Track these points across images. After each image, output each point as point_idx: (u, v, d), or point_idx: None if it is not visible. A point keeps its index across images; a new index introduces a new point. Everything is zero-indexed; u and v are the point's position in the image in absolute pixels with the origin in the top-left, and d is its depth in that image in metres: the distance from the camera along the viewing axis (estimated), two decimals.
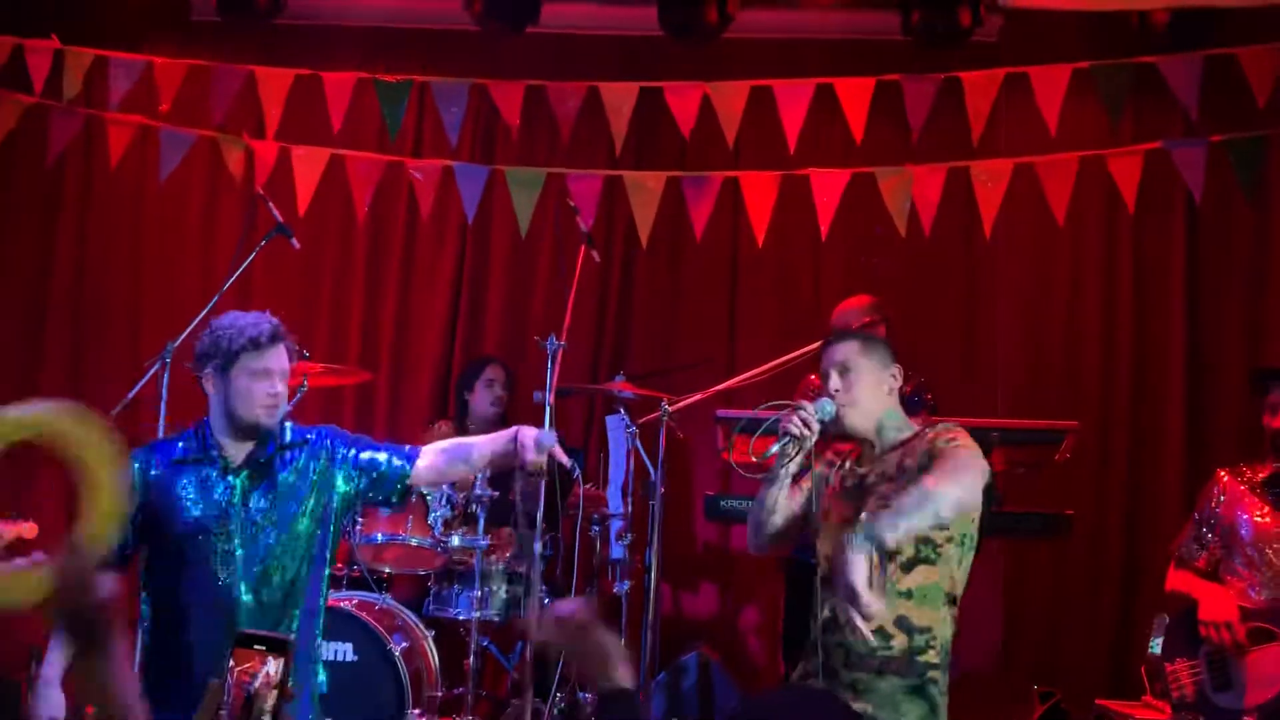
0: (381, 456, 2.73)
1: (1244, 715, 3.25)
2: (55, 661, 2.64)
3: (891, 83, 4.33)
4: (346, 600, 3.73)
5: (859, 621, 2.37)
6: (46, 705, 2.63)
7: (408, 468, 2.73)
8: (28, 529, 3.20)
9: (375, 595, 3.88)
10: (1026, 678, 4.42)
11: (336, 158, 4.61)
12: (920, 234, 4.38)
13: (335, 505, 2.70)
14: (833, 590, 2.62)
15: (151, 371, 3.80)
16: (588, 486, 4.37)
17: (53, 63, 4.49)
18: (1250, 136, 4.12)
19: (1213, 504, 3.46)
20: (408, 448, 2.75)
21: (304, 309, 5.20)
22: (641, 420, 4.14)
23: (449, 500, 3.96)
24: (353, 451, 2.73)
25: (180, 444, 2.68)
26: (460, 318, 5.19)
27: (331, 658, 3.54)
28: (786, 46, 5.00)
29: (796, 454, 2.62)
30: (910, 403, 4.08)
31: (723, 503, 4.25)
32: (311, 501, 2.67)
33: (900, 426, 2.68)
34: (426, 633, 3.89)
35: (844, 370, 2.65)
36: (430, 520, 3.94)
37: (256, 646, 1.30)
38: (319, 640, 2.76)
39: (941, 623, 2.59)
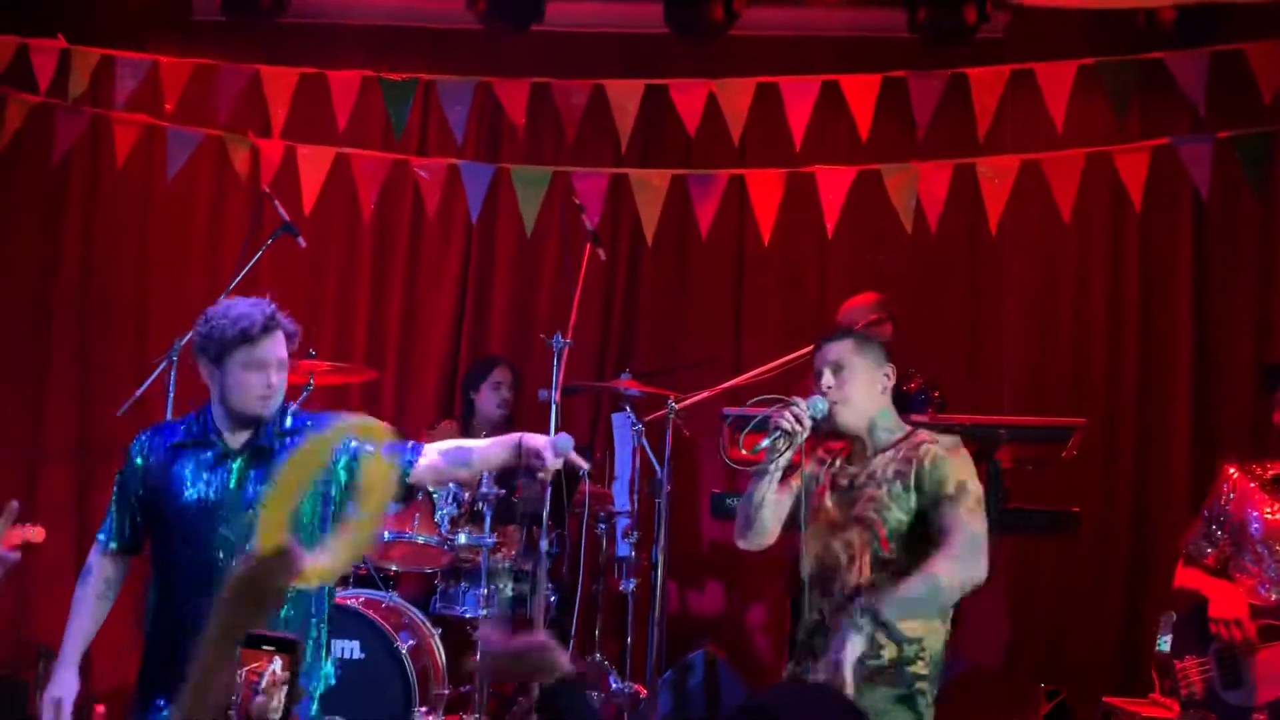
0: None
1: (1254, 713, 3.24)
2: (74, 643, 2.65)
3: (897, 80, 4.33)
4: (353, 598, 3.73)
5: (843, 678, 2.38)
6: (58, 685, 2.62)
7: (409, 465, 2.70)
8: (34, 533, 3.20)
9: (382, 593, 3.88)
10: (1032, 675, 4.41)
11: (342, 156, 4.61)
12: (926, 231, 4.38)
13: (334, 495, 2.64)
14: (821, 592, 2.64)
15: (159, 369, 3.82)
16: (593, 485, 4.38)
17: (58, 62, 4.50)
18: (1257, 133, 4.10)
19: (1222, 501, 3.45)
20: (410, 444, 2.70)
21: (310, 307, 5.19)
22: (648, 418, 4.14)
23: (455, 498, 3.96)
24: (355, 442, 2.64)
25: (182, 427, 2.67)
26: (466, 316, 5.20)
27: (338, 655, 3.54)
28: (792, 44, 4.99)
29: (787, 449, 2.63)
30: (916, 400, 4.09)
31: (729, 500, 4.24)
32: (310, 488, 2.58)
33: (892, 427, 2.70)
34: (433, 630, 3.89)
35: (837, 368, 2.67)
36: (437, 518, 3.94)
37: (265, 646, 1.29)
38: (321, 631, 2.71)
39: (932, 634, 2.60)
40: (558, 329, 3.81)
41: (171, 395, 3.80)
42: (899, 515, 2.59)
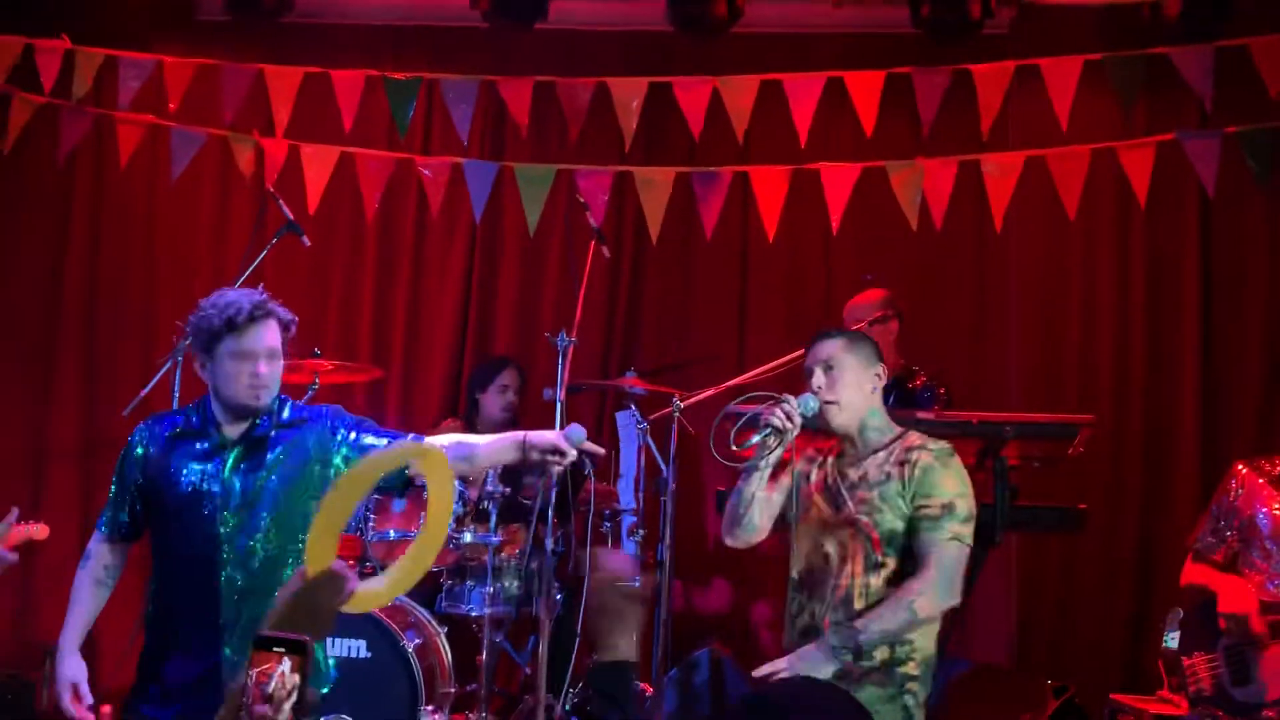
0: (383, 443, 2.66)
1: (1264, 709, 3.23)
2: (74, 629, 2.67)
3: (902, 76, 4.32)
4: None
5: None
6: (68, 670, 2.64)
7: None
8: (38, 530, 3.21)
9: None
10: (1039, 672, 4.40)
11: (346, 155, 4.62)
12: (931, 228, 4.37)
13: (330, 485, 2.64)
14: (811, 593, 2.64)
15: (164, 369, 3.82)
16: (599, 483, 4.38)
17: (63, 63, 4.51)
18: (1264, 128, 4.09)
19: (1230, 497, 3.44)
20: (411, 436, 2.69)
21: (314, 306, 5.21)
22: (652, 416, 4.14)
23: (461, 496, 3.96)
24: (354, 434, 2.66)
25: (181, 418, 2.67)
26: (470, 314, 5.20)
27: (345, 654, 3.54)
28: (796, 40, 4.98)
29: (777, 446, 2.65)
30: (922, 397, 4.08)
31: None
32: (304, 480, 2.60)
33: (882, 427, 2.71)
34: (439, 629, 3.89)
35: (828, 368, 2.69)
36: None
37: (276, 648, 1.30)
38: None
39: (924, 635, 2.62)
40: (562, 327, 3.81)
41: (177, 394, 3.81)
42: (892, 519, 2.61)
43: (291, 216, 4.00)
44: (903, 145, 4.49)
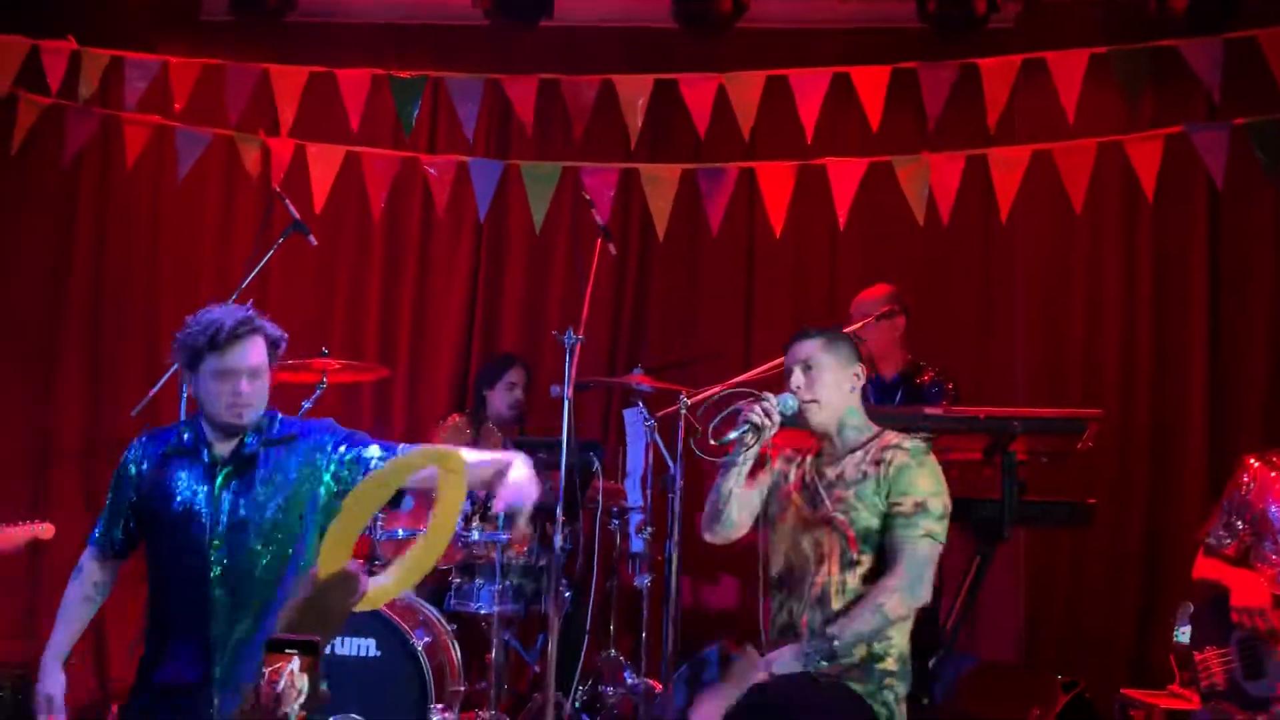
0: (374, 455, 2.63)
1: (1276, 704, 3.22)
2: (59, 643, 2.70)
3: (908, 71, 4.31)
4: None
5: None
6: (47, 683, 2.67)
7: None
8: (44, 529, 3.22)
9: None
10: (1048, 668, 4.39)
11: (352, 154, 4.62)
12: (938, 222, 4.36)
13: (322, 501, 2.61)
14: (789, 592, 2.68)
15: (171, 370, 3.81)
16: (606, 480, 4.38)
17: (68, 64, 4.52)
18: (1273, 119, 4.07)
19: (1242, 491, 3.43)
20: (401, 447, 2.66)
21: (321, 306, 5.22)
22: (660, 413, 4.14)
23: (469, 495, 3.96)
24: (343, 448, 2.64)
25: (174, 435, 2.68)
26: (477, 313, 5.20)
27: (354, 653, 3.55)
28: (801, 36, 4.97)
29: (755, 443, 2.67)
30: (930, 393, 4.07)
31: None
32: (294, 497, 2.60)
33: (860, 426, 2.74)
34: (448, 627, 3.89)
35: (807, 367, 2.72)
36: None
37: (288, 649, 1.30)
38: None
39: (900, 632, 2.64)
40: (569, 325, 3.81)
41: (184, 395, 3.81)
42: (867, 518, 2.63)
43: (298, 216, 4.00)
44: (909, 140, 4.48)
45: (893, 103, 4.32)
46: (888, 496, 2.61)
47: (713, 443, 2.71)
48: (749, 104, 4.36)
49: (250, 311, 2.63)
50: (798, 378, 2.72)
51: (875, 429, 2.74)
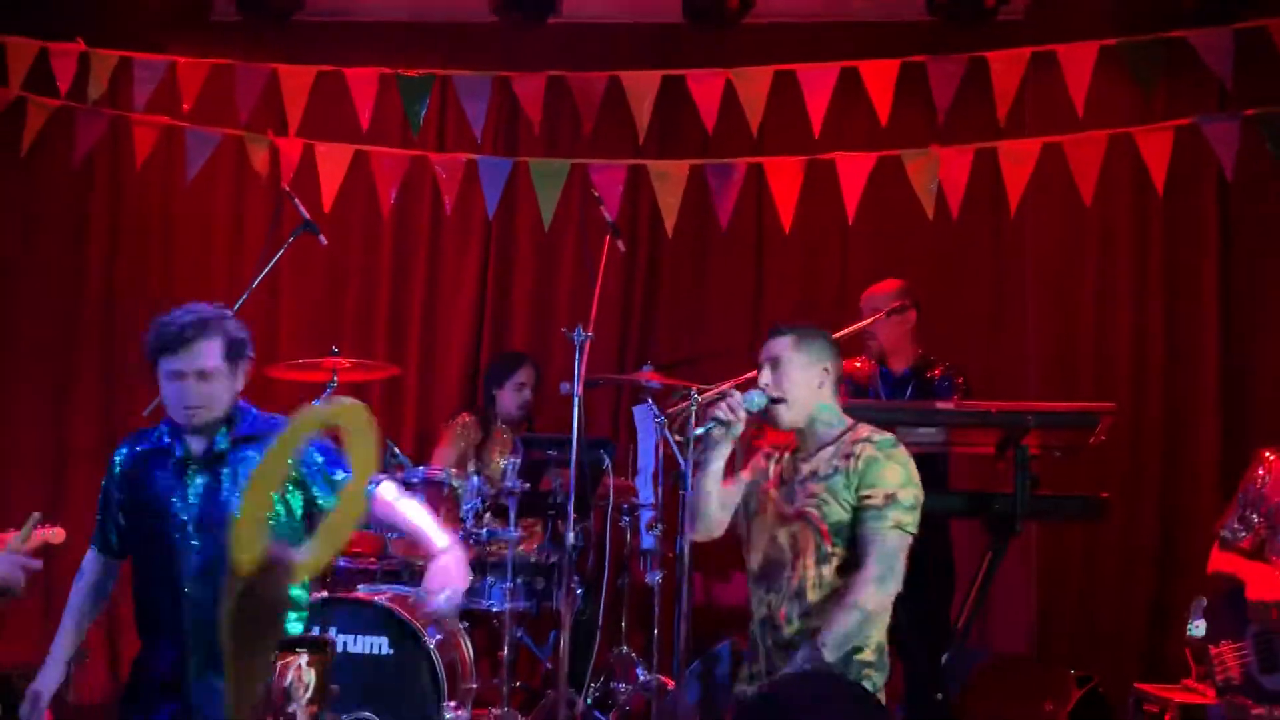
0: (342, 477, 2.62)
1: None
2: (59, 642, 2.76)
3: (916, 64, 4.29)
4: (380, 594, 3.74)
5: None
6: (39, 680, 2.73)
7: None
8: (54, 534, 3.23)
9: (409, 588, 3.89)
10: (1061, 661, 4.38)
11: (360, 153, 4.63)
12: (948, 216, 4.34)
13: (294, 505, 2.62)
14: (767, 587, 2.71)
15: None
16: (617, 478, 4.38)
17: (78, 65, 4.53)
18: None
19: (1257, 485, 3.42)
20: (373, 476, 2.63)
21: (331, 305, 5.23)
22: (670, 410, 4.13)
23: (480, 492, 3.97)
24: (320, 459, 2.63)
25: (155, 435, 2.71)
26: (486, 310, 5.20)
27: (367, 651, 3.55)
28: (809, 30, 4.96)
29: (723, 439, 2.72)
30: (941, 387, 4.06)
31: None
32: (282, 490, 2.59)
33: (833, 421, 2.76)
34: (460, 625, 3.90)
35: (775, 364, 2.75)
36: (461, 513, 3.94)
37: (298, 649, 1.31)
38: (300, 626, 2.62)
39: (875, 624, 2.65)
40: (578, 322, 3.80)
41: None
42: (839, 512, 2.66)
43: (308, 215, 4.00)
44: (918, 134, 4.46)
45: (901, 96, 4.31)
46: (857, 490, 2.64)
47: (678, 439, 2.82)
48: (757, 99, 4.35)
49: (211, 312, 2.63)
50: (766, 375, 2.76)
51: (848, 423, 2.76)
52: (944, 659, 3.55)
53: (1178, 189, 4.49)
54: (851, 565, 2.63)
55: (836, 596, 2.62)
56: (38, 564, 2.69)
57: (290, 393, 4.67)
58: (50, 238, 5.27)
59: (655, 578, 4.20)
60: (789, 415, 2.73)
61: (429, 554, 2.63)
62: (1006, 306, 5.03)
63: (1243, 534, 3.42)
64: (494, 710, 3.88)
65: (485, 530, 3.94)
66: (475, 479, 3.99)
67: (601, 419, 5.04)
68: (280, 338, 5.17)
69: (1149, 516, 4.81)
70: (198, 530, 2.58)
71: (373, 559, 3.99)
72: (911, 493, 2.64)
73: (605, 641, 4.28)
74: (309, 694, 1.27)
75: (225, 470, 2.60)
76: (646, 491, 4.36)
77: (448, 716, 3.55)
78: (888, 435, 2.73)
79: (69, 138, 4.67)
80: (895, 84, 4.29)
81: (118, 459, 2.73)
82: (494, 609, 4.00)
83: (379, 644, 3.57)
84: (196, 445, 2.63)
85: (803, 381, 2.73)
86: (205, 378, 2.57)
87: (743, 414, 2.70)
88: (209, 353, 2.57)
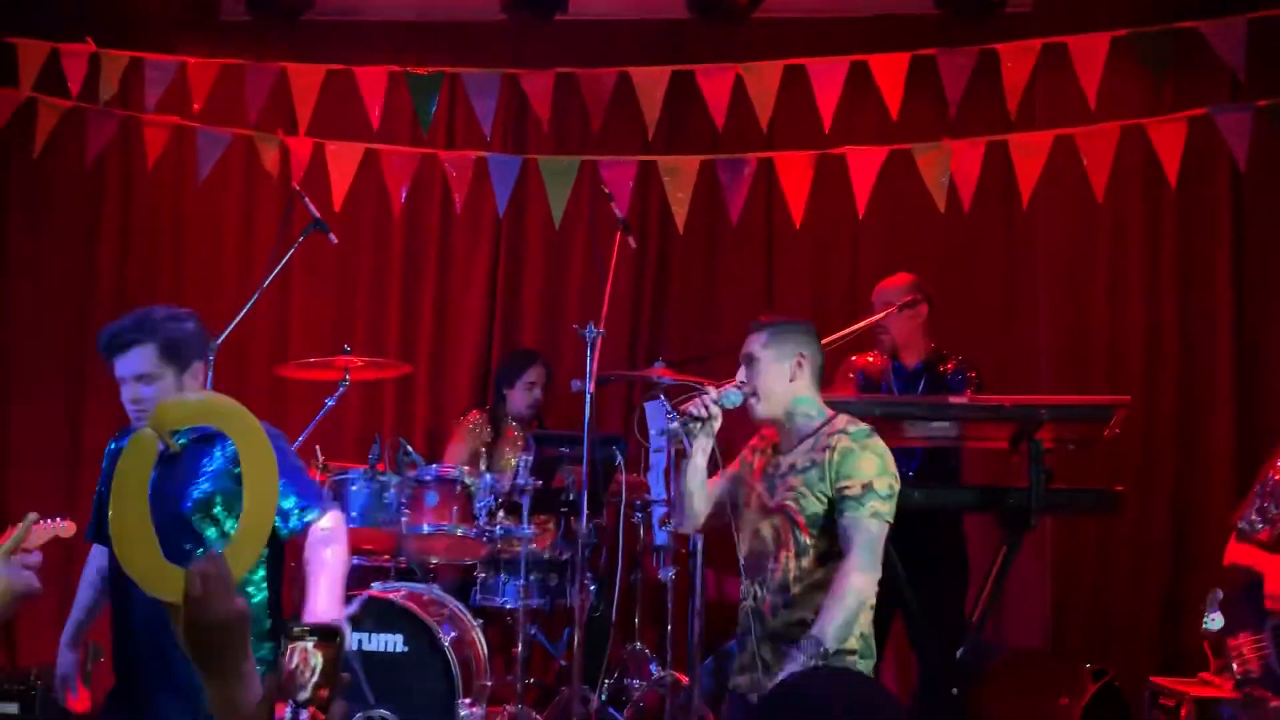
0: (289, 504, 2.58)
1: None
2: (70, 626, 2.84)
3: (926, 57, 4.28)
4: (395, 591, 3.75)
5: None
6: (59, 665, 2.82)
7: (295, 530, 2.59)
8: (65, 528, 3.25)
9: (423, 586, 3.90)
10: (1076, 655, 4.37)
11: (370, 152, 4.63)
12: (959, 210, 4.33)
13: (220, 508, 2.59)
14: (753, 578, 2.76)
15: None
16: (629, 474, 4.37)
17: (88, 66, 4.54)
18: None
19: (1276, 476, 3.39)
20: (317, 510, 2.60)
21: (342, 303, 5.24)
22: (682, 406, 4.12)
23: (493, 489, 3.97)
24: (236, 470, 2.56)
25: (132, 430, 2.72)
26: (497, 308, 5.20)
27: (382, 649, 3.56)
28: (819, 24, 4.94)
29: (700, 435, 2.77)
30: (953, 381, 4.05)
31: None
32: (203, 499, 2.58)
33: (812, 413, 2.79)
34: (474, 622, 3.90)
35: (750, 360, 2.80)
36: (475, 510, 3.95)
37: (309, 636, 1.30)
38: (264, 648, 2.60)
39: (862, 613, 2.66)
40: (589, 319, 3.80)
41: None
42: (815, 504, 2.68)
43: (318, 215, 4.01)
44: (929, 128, 4.45)
45: (912, 90, 4.29)
46: (835, 482, 2.66)
47: (654, 434, 2.87)
48: (767, 94, 4.34)
49: (152, 315, 2.64)
50: (741, 372, 2.80)
51: (827, 415, 2.78)
52: (959, 654, 3.54)
53: (1190, 180, 4.47)
54: (830, 556, 2.66)
55: (827, 589, 2.63)
56: (37, 558, 2.70)
57: (302, 392, 4.68)
58: (62, 238, 5.29)
59: (668, 573, 4.20)
60: (764, 409, 2.78)
61: (305, 612, 2.55)
62: (1018, 300, 5.01)
63: (1261, 526, 3.40)
64: (508, 707, 3.89)
65: (499, 528, 3.95)
66: (488, 477, 4.00)
67: (613, 416, 5.04)
68: (291, 337, 5.18)
69: (1162, 509, 4.79)
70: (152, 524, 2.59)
71: (386, 556, 4.00)
72: (887, 482, 2.67)
73: (619, 638, 4.28)
74: (316, 677, 1.26)
75: (176, 470, 2.57)
76: (658, 488, 4.35)
77: (462, 713, 3.56)
78: (863, 426, 2.75)
79: (80, 138, 4.68)
80: (905, 77, 4.27)
81: (106, 455, 2.80)
82: (508, 606, 4.00)
83: (394, 641, 3.58)
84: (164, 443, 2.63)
85: (774, 376, 2.77)
86: (145, 380, 2.61)
87: (716, 410, 2.76)
88: (143, 356, 2.61)
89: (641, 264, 5.10)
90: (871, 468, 2.66)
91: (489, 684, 3.86)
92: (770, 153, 4.55)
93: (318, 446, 3.96)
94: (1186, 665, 3.85)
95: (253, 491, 1.52)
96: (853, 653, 2.65)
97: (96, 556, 2.86)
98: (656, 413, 4.33)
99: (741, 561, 2.81)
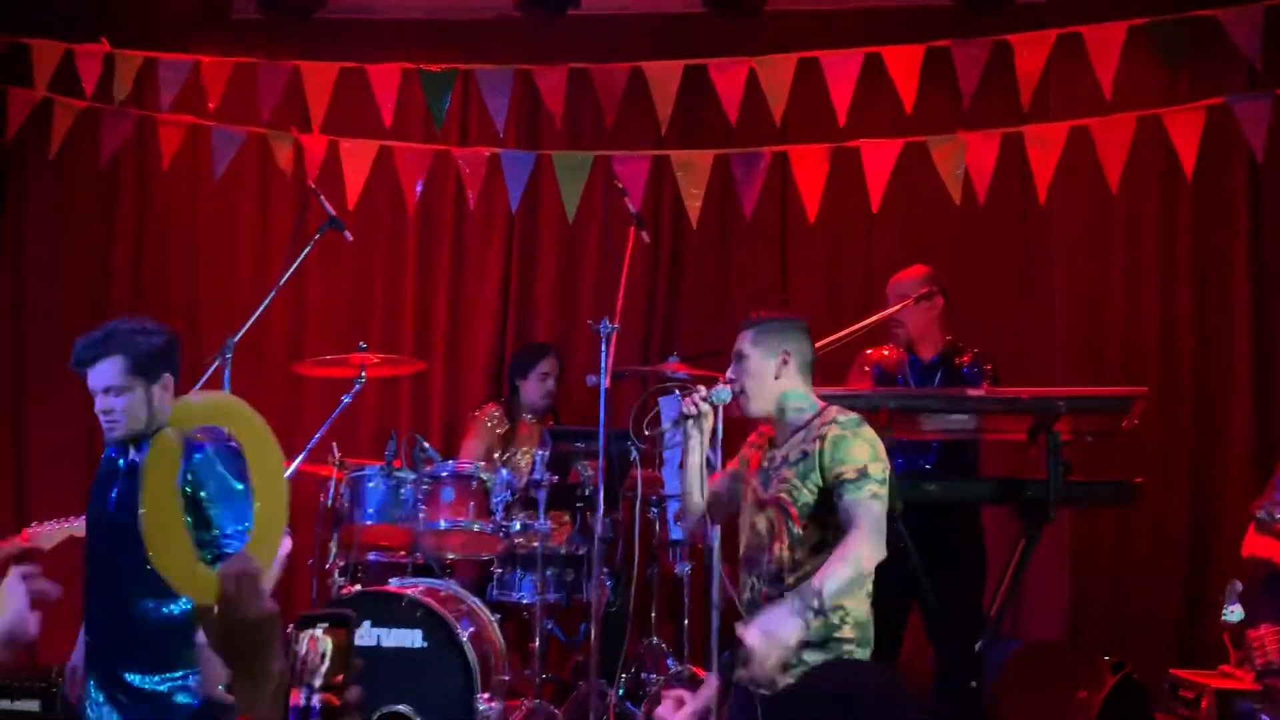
0: (215, 533, 2.54)
1: None
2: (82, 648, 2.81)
3: (941, 49, 4.26)
4: (413, 587, 3.76)
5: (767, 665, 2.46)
6: (74, 655, 2.82)
7: (221, 553, 2.53)
8: (78, 527, 3.27)
9: (440, 581, 3.90)
10: (1094, 648, 4.35)
11: (384, 149, 4.64)
12: (974, 202, 4.31)
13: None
14: (750, 570, 2.77)
15: (212, 368, 3.85)
16: (644, 469, 4.37)
17: (103, 66, 4.57)
18: None
19: None
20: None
21: (358, 300, 5.25)
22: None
23: (509, 485, 3.98)
24: (209, 489, 2.54)
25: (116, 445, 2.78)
26: (511, 304, 5.21)
27: (401, 644, 3.57)
28: (832, 17, 4.93)
29: (693, 432, 2.80)
30: (969, 373, 4.04)
31: None
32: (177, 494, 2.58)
33: (803, 406, 2.80)
34: (492, 617, 3.91)
35: (739, 358, 2.82)
36: (491, 505, 3.96)
37: (320, 623, 1.29)
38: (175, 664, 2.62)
39: (854, 599, 2.67)
40: (602, 314, 3.81)
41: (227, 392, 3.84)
42: (807, 495, 2.69)
43: (333, 212, 4.02)
44: (943, 120, 4.43)
45: (926, 82, 4.28)
46: (828, 470, 2.66)
47: (646, 432, 2.92)
48: (780, 87, 4.33)
49: (123, 328, 2.69)
50: (731, 369, 2.83)
51: (819, 407, 2.79)
52: (977, 647, 3.53)
53: (1207, 171, 4.44)
54: (822, 546, 2.65)
55: (833, 551, 2.60)
56: (32, 569, 2.72)
57: (318, 389, 4.70)
58: (78, 238, 5.31)
59: (684, 568, 4.20)
60: (754, 406, 2.80)
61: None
62: (1034, 291, 4.99)
63: (1279, 516, 3.38)
64: (526, 702, 3.90)
65: (515, 523, 3.96)
66: (504, 472, 4.01)
67: (628, 411, 5.01)
68: (307, 334, 5.20)
69: (1180, 501, 4.77)
70: (106, 537, 2.64)
71: (403, 552, 4.01)
72: (881, 468, 2.67)
73: (635, 632, 4.28)
74: (327, 662, 1.26)
75: (130, 483, 2.58)
76: (673, 483, 4.35)
77: (481, 709, 3.56)
78: (853, 415, 2.76)
79: (95, 139, 4.71)
80: (919, 69, 4.26)
81: (102, 459, 2.83)
82: (524, 601, 4.01)
83: (412, 637, 3.59)
84: (135, 454, 2.68)
85: (761, 372, 2.79)
86: (114, 392, 2.66)
87: (707, 407, 2.78)
88: (110, 369, 2.66)
89: (655, 259, 5.09)
90: (864, 453, 2.66)
91: (507, 679, 3.87)
92: (784, 146, 4.54)
93: (334, 444, 3.97)
94: (1206, 658, 3.84)
95: (264, 490, 1.51)
96: (849, 641, 2.65)
97: None
98: (670, 406, 4.34)
99: (740, 555, 2.83)
